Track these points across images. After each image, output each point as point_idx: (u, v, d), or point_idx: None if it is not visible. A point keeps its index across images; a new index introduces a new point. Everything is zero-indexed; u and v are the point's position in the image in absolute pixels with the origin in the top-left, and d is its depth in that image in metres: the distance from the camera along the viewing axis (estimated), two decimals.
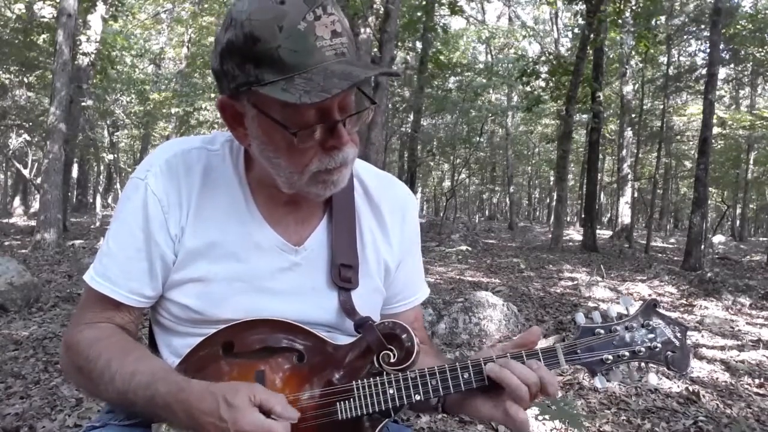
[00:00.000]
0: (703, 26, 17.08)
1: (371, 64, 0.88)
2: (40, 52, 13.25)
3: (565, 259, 11.23)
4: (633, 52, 17.14)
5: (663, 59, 18.99)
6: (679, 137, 23.80)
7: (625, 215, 17.80)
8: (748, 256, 14.27)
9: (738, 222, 27.40)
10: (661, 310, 0.92)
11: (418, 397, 0.88)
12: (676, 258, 12.64)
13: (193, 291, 0.95)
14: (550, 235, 15.49)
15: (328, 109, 0.82)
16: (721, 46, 13.17)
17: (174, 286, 0.96)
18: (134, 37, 21.81)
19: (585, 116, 16.61)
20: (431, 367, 0.89)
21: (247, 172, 0.97)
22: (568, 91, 13.83)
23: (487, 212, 38.75)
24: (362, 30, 8.89)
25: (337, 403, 0.89)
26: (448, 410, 0.98)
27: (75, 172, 18.47)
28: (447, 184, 30.79)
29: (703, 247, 10.65)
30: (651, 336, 0.90)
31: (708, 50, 12.26)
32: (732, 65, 19.73)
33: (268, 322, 0.93)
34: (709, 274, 7.67)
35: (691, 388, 3.51)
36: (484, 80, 18.54)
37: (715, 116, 11.97)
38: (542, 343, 0.92)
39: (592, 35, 13.05)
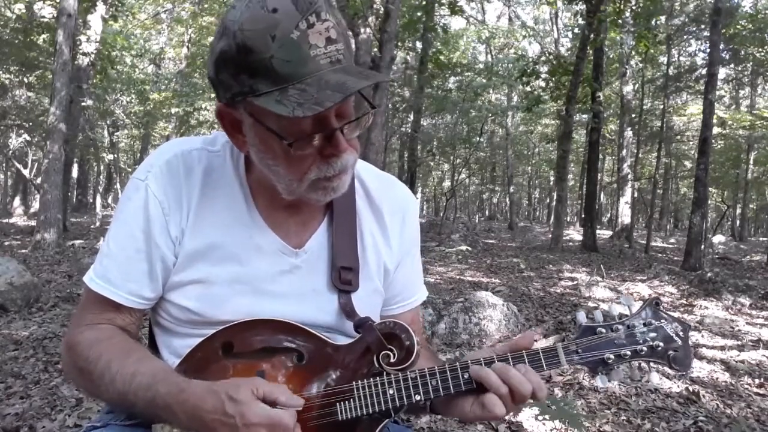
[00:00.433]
0: (703, 26, 17.08)
1: (367, 70, 0.86)
2: (40, 52, 13.25)
3: (565, 259, 11.23)
4: (633, 52, 17.14)
5: (663, 59, 18.99)
6: (679, 137, 23.80)
7: (625, 215, 17.80)
8: (748, 256, 14.28)
9: (738, 222, 27.41)
10: (662, 309, 0.91)
11: (418, 397, 0.88)
12: (676, 258, 12.64)
13: (194, 293, 0.94)
14: (550, 235, 15.50)
15: (324, 117, 0.81)
16: (721, 46, 13.18)
17: (174, 288, 0.95)
18: (134, 37, 21.80)
19: (585, 116, 16.61)
20: (431, 367, 0.89)
21: (247, 174, 0.97)
22: (568, 91, 13.83)
23: (487, 212, 38.76)
24: (362, 30, 8.89)
25: (337, 404, 0.88)
26: (436, 411, 0.97)
27: (75, 172, 18.48)
28: (447, 184, 30.80)
29: (703, 247, 10.65)
30: (653, 335, 0.89)
31: (708, 50, 12.26)
32: (732, 65, 19.73)
33: (268, 323, 0.93)
34: (709, 274, 7.67)
35: (691, 388, 3.51)
36: (484, 80, 18.53)
37: (715, 116, 11.97)
38: (542, 343, 0.91)
39: (592, 35, 13.05)
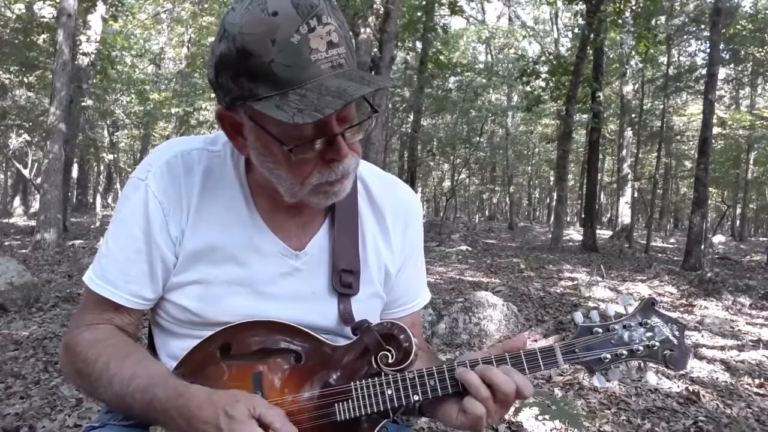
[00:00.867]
0: (703, 26, 17.08)
1: (370, 75, 0.85)
2: (40, 52, 13.26)
3: (565, 259, 11.23)
4: (633, 52, 17.14)
5: (663, 59, 18.99)
6: (679, 137, 23.81)
7: (625, 215, 17.80)
8: (748, 256, 14.28)
9: (738, 222, 27.41)
10: (659, 309, 0.92)
11: (416, 398, 0.88)
12: (676, 258, 12.64)
13: (193, 293, 0.94)
14: (550, 235, 15.50)
15: (326, 122, 0.80)
16: (721, 46, 13.17)
17: (174, 288, 0.95)
18: (134, 37, 21.79)
19: (585, 116, 16.60)
20: (429, 368, 0.89)
21: (248, 175, 0.96)
22: (568, 91, 13.83)
23: (487, 212, 38.74)
24: (362, 30, 8.89)
25: (336, 404, 0.88)
26: (425, 413, 0.97)
27: (75, 172, 18.47)
28: (447, 184, 30.80)
29: (703, 247, 10.64)
30: (649, 334, 0.90)
31: (708, 50, 12.26)
32: (732, 65, 19.73)
33: (266, 324, 0.93)
34: (709, 274, 7.68)
35: (691, 388, 3.51)
36: (484, 80, 18.53)
37: (715, 116, 11.97)
38: (542, 343, 0.92)
39: (592, 35, 13.05)
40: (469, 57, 24.98)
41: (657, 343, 0.89)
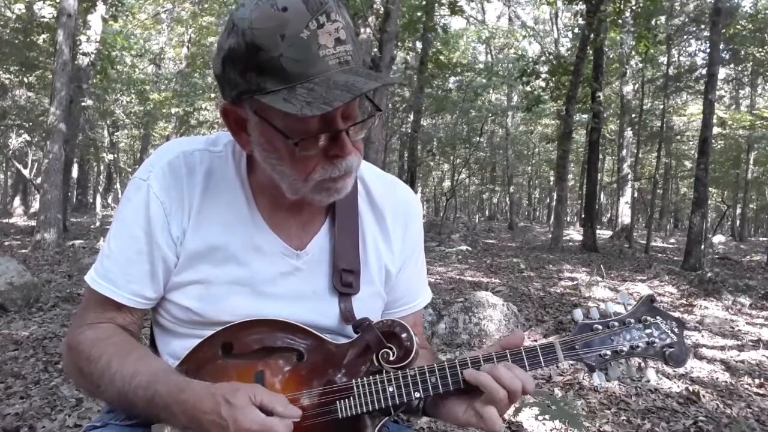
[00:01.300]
0: (703, 26, 17.08)
1: (375, 72, 0.86)
2: (40, 52, 13.26)
3: (565, 259, 11.23)
4: (633, 52, 17.14)
5: (663, 59, 18.99)
6: (679, 137, 23.82)
7: (625, 215, 17.80)
8: (748, 256, 14.28)
9: (738, 222, 27.41)
10: (658, 306, 0.92)
11: (417, 395, 0.88)
12: (676, 258, 12.64)
13: (194, 293, 0.95)
14: (550, 235, 15.50)
15: (331, 118, 0.81)
16: (721, 46, 13.17)
17: (175, 288, 0.95)
18: (134, 37, 21.79)
19: (585, 116, 16.61)
20: (431, 365, 0.89)
21: (249, 175, 0.97)
22: (568, 91, 13.83)
23: (487, 212, 38.74)
24: (362, 30, 8.89)
25: (337, 402, 0.89)
26: (428, 413, 0.98)
27: (75, 172, 18.47)
28: (447, 184, 30.80)
29: (703, 247, 10.64)
30: (648, 331, 0.90)
31: (708, 50, 12.26)
32: (732, 65, 19.74)
33: (267, 322, 0.94)
34: (709, 274, 7.68)
35: (691, 388, 3.51)
36: (484, 80, 18.53)
37: (715, 116, 11.97)
38: (541, 342, 0.92)
39: (592, 35, 13.05)
40: (469, 57, 24.98)
41: (657, 340, 0.90)
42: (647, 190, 22.36)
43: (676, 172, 26.76)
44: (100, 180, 30.77)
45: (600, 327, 0.90)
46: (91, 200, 22.64)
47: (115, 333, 0.95)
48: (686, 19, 18.24)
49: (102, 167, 29.38)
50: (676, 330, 0.91)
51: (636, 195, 20.23)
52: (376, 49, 9.15)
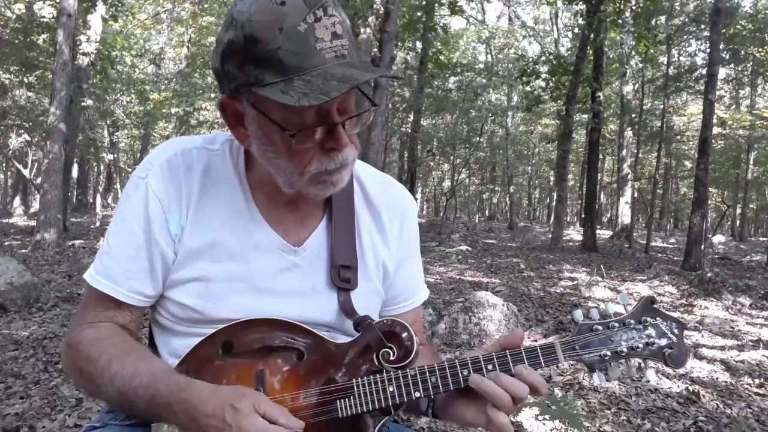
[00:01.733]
0: (703, 26, 17.08)
1: (372, 65, 0.87)
2: (40, 52, 13.26)
3: (565, 259, 11.23)
4: (633, 52, 17.14)
5: (663, 59, 18.99)
6: (679, 137, 23.82)
7: (625, 215, 17.80)
8: (748, 256, 14.28)
9: (738, 222, 27.41)
10: (658, 307, 0.92)
11: (418, 394, 0.88)
12: (676, 258, 12.64)
13: (193, 290, 0.95)
14: (550, 235, 15.50)
15: (327, 111, 0.82)
16: (721, 46, 13.17)
17: (174, 286, 0.96)
18: (134, 37, 21.80)
19: (585, 116, 16.61)
20: (431, 365, 0.89)
21: (247, 172, 0.97)
22: (568, 91, 13.83)
23: (487, 212, 38.74)
24: (362, 30, 8.89)
25: (337, 401, 0.89)
26: (438, 416, 0.98)
27: (75, 172, 18.47)
28: (447, 184, 30.80)
29: (703, 247, 10.64)
30: (648, 332, 0.90)
31: (708, 50, 12.26)
32: (732, 65, 19.74)
33: (267, 322, 0.94)
34: (709, 274, 7.67)
35: (691, 388, 3.51)
36: (484, 80, 18.54)
37: (715, 116, 11.97)
38: (541, 343, 0.92)
39: (592, 35, 13.05)
40: (469, 57, 24.98)
41: (657, 341, 0.90)
42: (647, 190, 22.36)
43: (676, 172, 26.76)
44: (100, 180, 30.77)
45: (600, 327, 0.90)
46: (91, 200, 22.64)
47: (114, 332, 0.95)
48: (686, 19, 18.24)
49: (102, 167, 29.39)
50: (675, 331, 0.90)
51: (636, 195, 20.23)
52: (376, 49, 9.15)
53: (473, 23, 25.56)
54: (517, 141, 29.13)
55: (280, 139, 0.84)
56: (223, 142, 0.99)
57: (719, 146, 21.00)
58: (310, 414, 0.88)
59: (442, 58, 17.36)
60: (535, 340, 4.60)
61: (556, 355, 0.89)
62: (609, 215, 30.78)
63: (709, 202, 18.97)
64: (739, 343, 4.82)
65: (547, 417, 2.82)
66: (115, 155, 20.63)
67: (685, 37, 19.56)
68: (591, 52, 14.04)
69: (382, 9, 9.02)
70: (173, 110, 18.02)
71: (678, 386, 3.58)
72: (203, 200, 0.95)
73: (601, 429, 2.92)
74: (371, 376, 0.89)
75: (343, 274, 0.99)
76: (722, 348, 4.59)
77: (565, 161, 14.49)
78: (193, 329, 0.95)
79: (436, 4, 14.84)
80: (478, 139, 20.01)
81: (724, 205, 20.48)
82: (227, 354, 0.92)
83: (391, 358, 0.90)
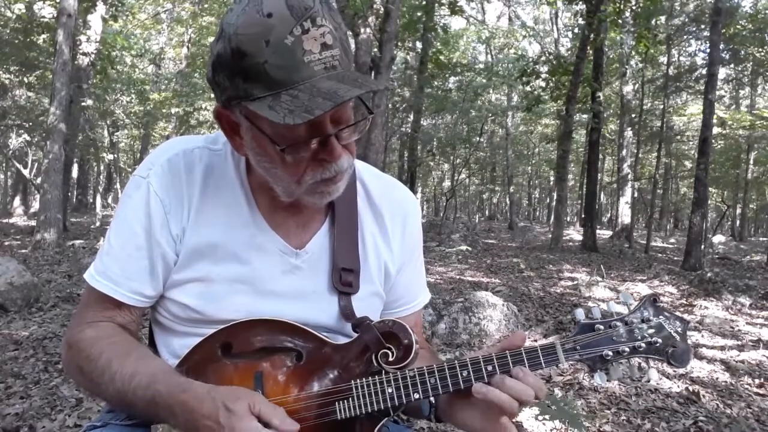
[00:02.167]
0: (703, 26, 17.08)
1: (363, 76, 0.85)
2: (40, 52, 13.25)
3: (565, 259, 11.23)
4: (633, 52, 17.13)
5: (663, 59, 18.98)
6: (679, 137, 23.80)
7: (625, 215, 17.79)
8: (748, 256, 14.27)
9: (738, 222, 27.40)
10: (661, 305, 0.91)
11: (417, 396, 0.88)
12: (676, 258, 12.63)
13: (194, 290, 0.94)
14: (550, 235, 15.49)
15: (319, 123, 0.80)
16: (721, 46, 13.16)
17: (174, 286, 0.95)
18: (134, 37, 21.79)
19: (585, 116, 16.60)
20: (430, 366, 0.89)
21: (248, 174, 0.97)
22: (568, 91, 13.83)
23: (487, 212, 38.73)
24: (362, 30, 8.89)
25: (336, 403, 0.88)
26: (441, 419, 0.97)
27: (75, 172, 18.46)
28: (447, 184, 30.79)
29: (703, 247, 10.64)
30: (651, 331, 0.89)
31: (708, 50, 12.26)
32: (732, 65, 19.72)
33: (267, 323, 0.93)
34: (709, 274, 7.67)
35: (691, 388, 3.51)
36: (484, 80, 18.53)
37: (715, 116, 11.97)
38: (542, 343, 0.91)
39: (592, 35, 13.05)
40: (469, 57, 24.98)
41: (660, 340, 0.89)
42: (647, 190, 22.35)
43: (676, 172, 26.74)
44: (100, 180, 30.75)
45: (602, 327, 0.89)
46: (91, 200, 22.61)
47: (115, 332, 0.94)
48: (686, 19, 18.23)
49: (102, 167, 29.38)
50: (679, 329, 0.89)
51: (636, 195, 20.23)
52: (376, 49, 9.15)
53: (473, 23, 25.55)
54: (517, 141, 29.12)
55: (273, 151, 0.83)
56: (225, 143, 0.98)
57: (719, 146, 20.99)
58: (309, 416, 0.88)
59: (442, 58, 17.36)
60: (535, 340, 4.60)
61: (557, 355, 0.88)
62: (609, 215, 30.77)
63: (709, 202, 18.98)
64: (739, 343, 4.81)
65: (547, 417, 2.82)
66: (115, 155, 20.62)
67: (685, 37, 19.55)
68: (591, 52, 14.04)
69: (382, 9, 9.02)
70: (173, 110, 18.02)
71: (678, 386, 3.58)
72: (205, 201, 0.95)
73: (601, 429, 2.92)
74: (370, 378, 0.89)
75: (344, 278, 0.99)
76: (722, 348, 4.59)
77: (565, 161, 14.49)
78: (193, 329, 0.95)
79: (436, 4, 14.83)
80: (478, 139, 20.01)
81: (724, 205, 20.48)
82: (226, 355, 0.92)
83: (390, 359, 0.89)
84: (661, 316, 0.90)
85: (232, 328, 0.93)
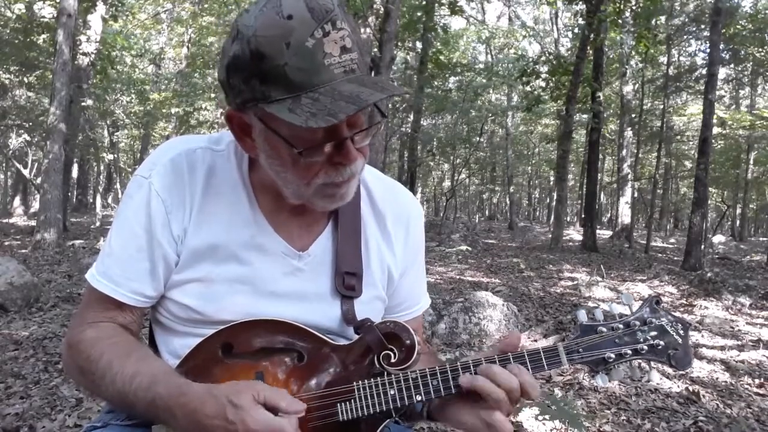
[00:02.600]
0: (703, 26, 17.08)
1: (383, 80, 0.85)
2: (40, 52, 13.25)
3: (565, 259, 11.23)
4: (633, 52, 17.13)
5: (663, 59, 18.98)
6: (679, 137, 23.80)
7: (625, 215, 17.79)
8: (748, 256, 14.27)
9: (738, 222, 27.41)
10: (663, 307, 0.91)
11: (419, 397, 0.87)
12: (676, 258, 12.63)
13: (195, 291, 0.94)
14: (550, 235, 15.49)
15: (336, 127, 0.80)
16: (721, 46, 13.16)
17: (175, 286, 0.95)
18: (134, 37, 21.78)
19: (585, 116, 16.60)
20: (432, 367, 0.89)
21: (251, 174, 0.97)
22: (568, 91, 13.83)
23: (487, 212, 38.72)
24: (362, 30, 8.88)
25: (338, 404, 0.88)
26: (433, 417, 0.97)
27: (75, 172, 18.46)
28: (447, 184, 30.79)
29: (703, 247, 10.64)
30: (653, 333, 0.89)
31: (708, 50, 12.26)
32: (732, 65, 19.73)
33: (268, 323, 0.93)
34: (709, 274, 7.67)
35: (691, 388, 3.51)
36: (484, 80, 18.53)
37: (715, 116, 11.97)
38: (542, 343, 0.91)
39: (592, 35, 13.05)
40: (469, 57, 24.98)
41: (662, 343, 0.88)
42: (647, 190, 22.34)
43: (676, 172, 26.74)
44: (100, 180, 30.74)
45: (604, 329, 0.89)
46: (91, 200, 22.60)
47: (115, 333, 0.94)
48: (686, 19, 18.23)
49: (102, 167, 29.36)
50: (681, 332, 0.89)
51: (636, 195, 20.23)
52: (376, 49, 9.15)
53: (473, 23, 25.55)
54: (517, 141, 29.12)
55: (287, 153, 0.83)
56: (229, 143, 0.98)
57: (719, 146, 20.99)
58: (311, 417, 0.87)
59: (442, 58, 17.36)
60: (536, 340, 4.60)
61: (560, 358, 0.88)
62: (609, 215, 30.77)
63: (709, 202, 18.98)
64: (739, 343, 4.82)
65: (547, 417, 2.82)
66: (115, 155, 20.62)
67: (685, 37, 19.55)
68: (591, 52, 14.04)
69: (382, 9, 9.01)
70: (173, 110, 18.01)
71: (678, 386, 3.58)
72: (207, 201, 0.95)
73: (601, 429, 2.92)
74: (372, 379, 0.89)
75: (347, 282, 0.99)
76: (722, 348, 4.59)
77: (565, 161, 14.49)
78: (194, 329, 0.95)
79: (436, 4, 14.83)
80: (478, 139, 20.00)
81: (724, 205, 20.48)
82: (227, 355, 0.91)
83: (392, 360, 0.89)
84: (663, 319, 0.90)
85: (233, 328, 0.92)
